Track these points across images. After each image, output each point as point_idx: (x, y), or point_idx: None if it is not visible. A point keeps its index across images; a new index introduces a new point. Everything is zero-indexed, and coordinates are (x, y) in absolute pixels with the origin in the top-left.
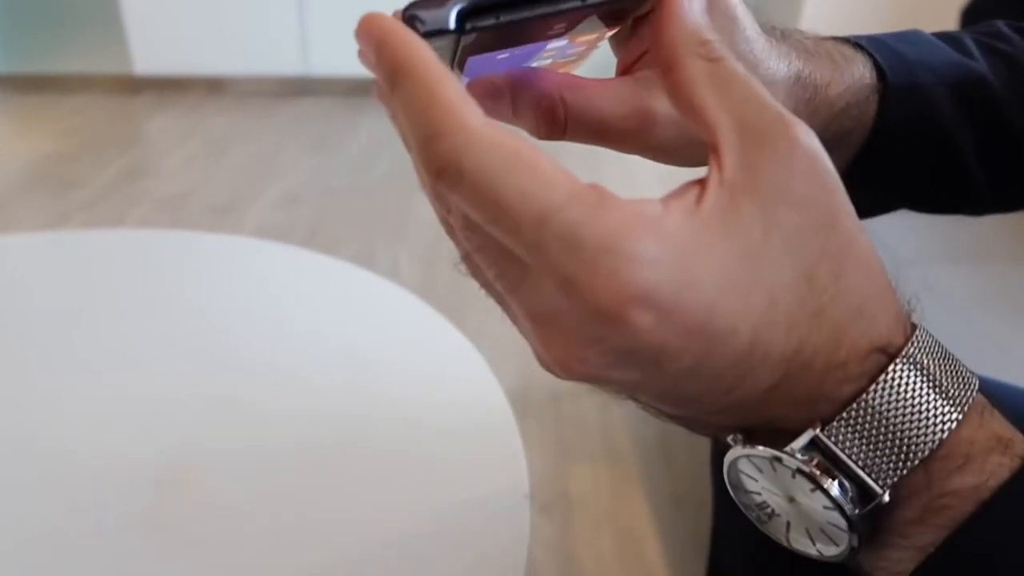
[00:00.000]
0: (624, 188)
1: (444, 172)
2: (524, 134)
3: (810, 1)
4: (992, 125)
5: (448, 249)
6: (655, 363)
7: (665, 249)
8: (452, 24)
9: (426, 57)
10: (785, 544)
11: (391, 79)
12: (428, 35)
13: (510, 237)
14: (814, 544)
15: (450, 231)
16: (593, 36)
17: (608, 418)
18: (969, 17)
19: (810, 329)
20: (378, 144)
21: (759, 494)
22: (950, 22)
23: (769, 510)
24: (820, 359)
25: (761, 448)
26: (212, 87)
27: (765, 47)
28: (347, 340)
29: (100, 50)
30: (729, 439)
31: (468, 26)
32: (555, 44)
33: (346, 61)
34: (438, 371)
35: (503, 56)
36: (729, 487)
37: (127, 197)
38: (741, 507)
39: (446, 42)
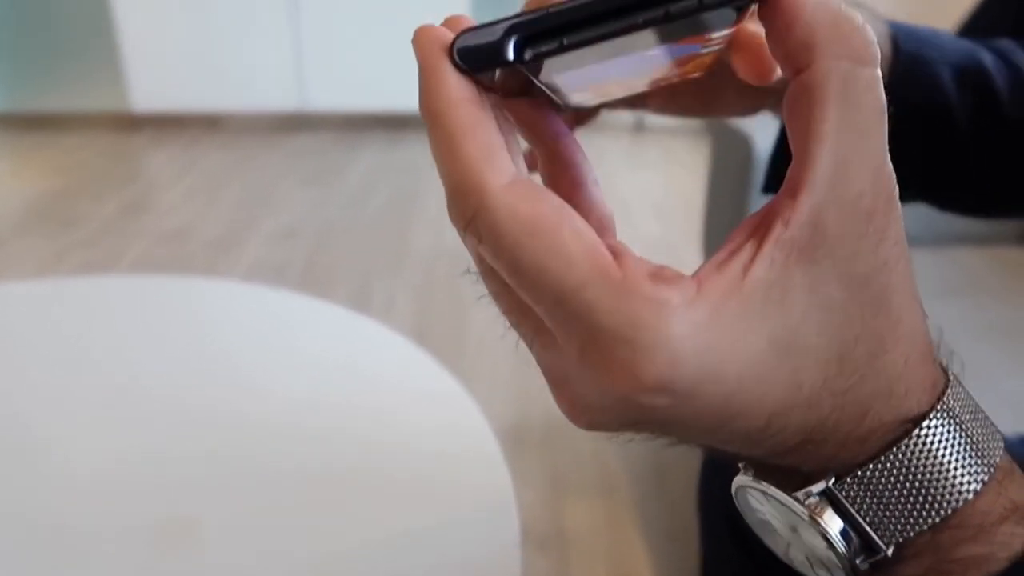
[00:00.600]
0: (616, 213)
1: (469, 227)
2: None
3: None
4: (990, 113)
5: (444, 283)
6: (665, 429)
7: (688, 344)
8: (509, 55)
9: (456, 101)
10: (783, 559)
11: (423, 116)
12: (477, 70)
13: (529, 302)
14: (812, 568)
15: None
16: (728, 30)
17: (603, 452)
18: (966, 32)
19: (832, 408)
20: (374, 178)
21: (763, 514)
22: (947, 12)
23: (771, 528)
24: (840, 432)
25: (770, 487)
26: (210, 123)
27: None
28: (340, 387)
29: (98, 88)
30: (740, 465)
31: (528, 55)
32: (681, 47)
33: (342, 96)
34: (430, 417)
35: (614, 68)
36: (735, 499)
37: (125, 234)
38: (741, 513)
39: (505, 71)
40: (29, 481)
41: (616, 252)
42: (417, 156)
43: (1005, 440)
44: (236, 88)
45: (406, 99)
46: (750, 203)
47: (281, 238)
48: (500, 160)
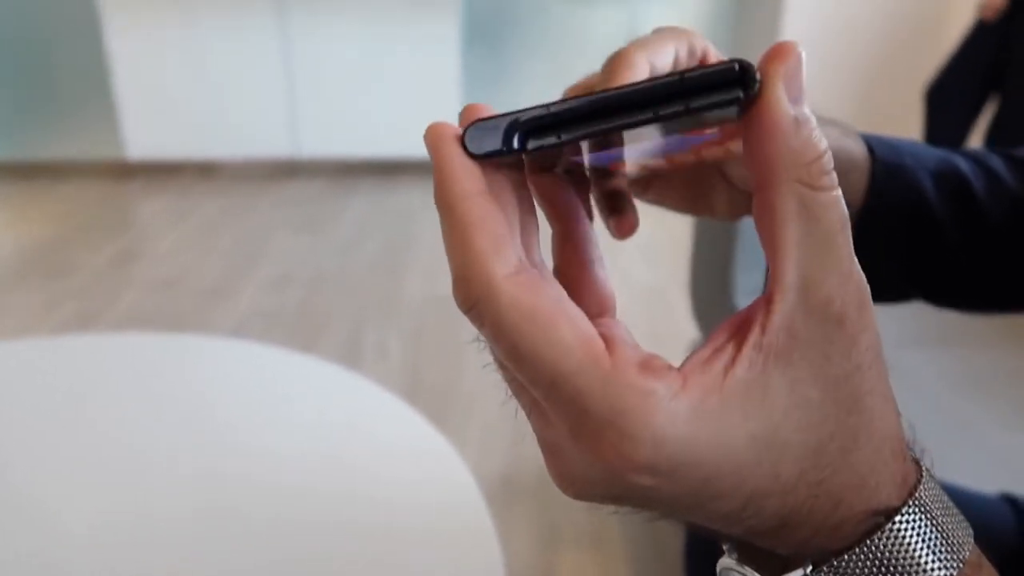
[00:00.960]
0: (604, 252)
1: (472, 311)
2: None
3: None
4: (971, 215)
5: (437, 330)
6: (649, 505)
7: (671, 432)
8: (514, 145)
9: (467, 194)
10: None
11: (437, 206)
12: (484, 156)
13: (525, 383)
14: None
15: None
16: (728, 120)
17: (596, 505)
18: (933, 96)
19: (807, 497)
20: (367, 224)
21: None
22: (927, 13)
23: None
24: (815, 519)
25: (752, 572)
26: (204, 170)
27: None
28: (329, 445)
29: (93, 136)
30: (724, 546)
31: (531, 145)
32: (672, 139)
33: (335, 142)
34: (418, 474)
35: (612, 153)
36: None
37: (117, 283)
38: None
39: (511, 158)
40: (20, 539)
41: (609, 340)
42: (409, 202)
43: (974, 527)
44: (230, 136)
45: (398, 145)
46: (735, 251)
47: (274, 286)
48: (506, 252)
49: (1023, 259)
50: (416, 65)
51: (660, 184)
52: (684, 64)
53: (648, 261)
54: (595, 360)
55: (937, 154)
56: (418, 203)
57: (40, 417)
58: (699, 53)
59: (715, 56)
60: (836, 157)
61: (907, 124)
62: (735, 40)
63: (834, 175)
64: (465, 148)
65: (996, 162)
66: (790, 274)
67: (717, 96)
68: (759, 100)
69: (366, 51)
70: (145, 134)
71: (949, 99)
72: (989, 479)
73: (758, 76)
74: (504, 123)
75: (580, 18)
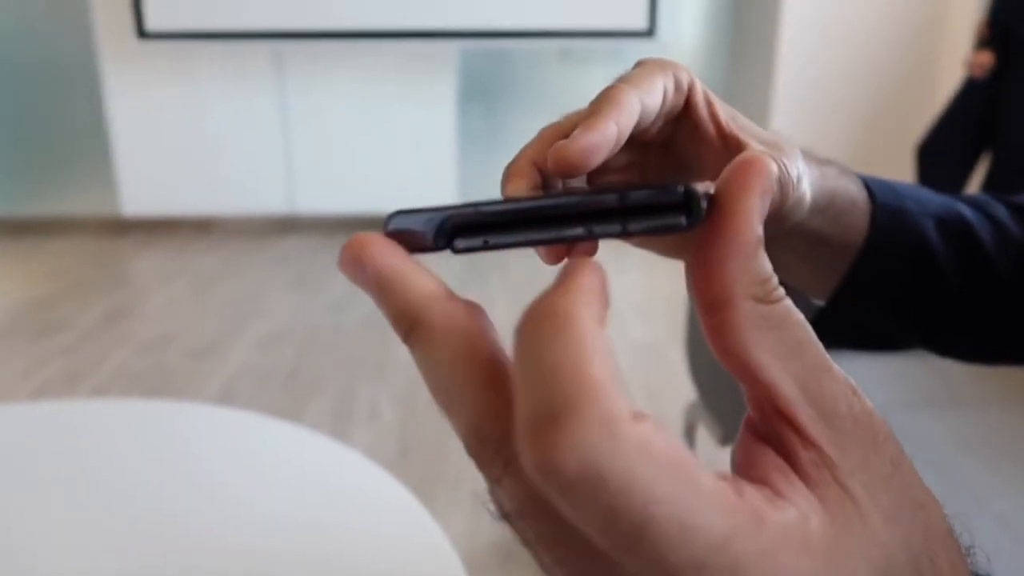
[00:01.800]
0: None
1: (579, 462)
2: None
3: (787, 16)
4: (976, 263)
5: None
6: None
7: (818, 564)
8: (440, 243)
9: (587, 312)
10: None
11: (537, 316)
12: (412, 251)
13: (635, 564)
14: None
15: (493, 486)
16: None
17: None
18: (924, 153)
19: None
20: None
21: None
22: (918, 72)
23: None
24: None
25: None
26: (199, 227)
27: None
28: (312, 520)
29: (89, 192)
30: None
31: (460, 245)
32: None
33: (331, 199)
34: (402, 552)
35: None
36: None
37: (108, 341)
38: None
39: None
40: None
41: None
42: None
43: None
44: (226, 192)
45: (395, 202)
46: None
47: (267, 343)
48: (621, 390)
49: None
50: (412, 123)
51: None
52: (670, 99)
53: (644, 318)
54: (751, 518)
55: (940, 200)
56: None
57: (16, 485)
58: (684, 88)
59: (699, 90)
60: (835, 195)
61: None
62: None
63: (781, 289)
64: (388, 235)
65: (1000, 210)
66: (788, 387)
67: (658, 220)
68: (726, 220)
69: (362, 108)
70: (142, 190)
71: (940, 155)
72: (1004, 547)
73: (703, 204)
74: (434, 220)
75: (574, 76)
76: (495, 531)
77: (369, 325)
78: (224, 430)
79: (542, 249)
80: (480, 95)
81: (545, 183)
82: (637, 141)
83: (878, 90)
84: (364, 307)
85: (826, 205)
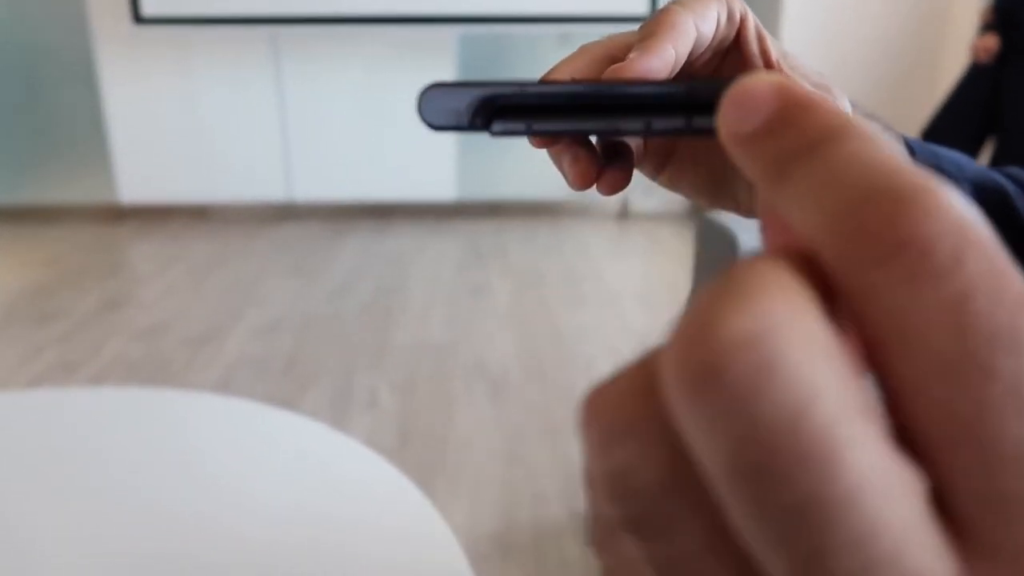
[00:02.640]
0: (602, 303)
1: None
2: None
3: (790, 2)
4: (1013, 230)
5: (428, 378)
6: None
7: None
8: (476, 123)
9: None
10: None
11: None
12: (439, 128)
13: (990, 440)
14: None
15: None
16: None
17: (592, 560)
18: (929, 139)
19: None
20: (359, 269)
21: None
22: (923, 58)
23: None
24: None
25: None
26: (197, 214)
27: None
28: (310, 509)
29: (86, 180)
30: None
31: (496, 128)
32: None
33: (329, 186)
34: (402, 540)
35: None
36: None
37: (104, 329)
38: None
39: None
40: None
41: None
42: (401, 247)
43: None
44: (224, 180)
45: (393, 189)
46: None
47: (264, 331)
48: None
49: None
50: (411, 109)
51: (676, 166)
52: (723, 29)
53: (646, 307)
54: None
55: (976, 167)
56: (410, 248)
57: (12, 474)
58: (737, 19)
59: (752, 23)
60: None
61: None
62: None
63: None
64: (420, 115)
65: None
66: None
67: None
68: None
69: (360, 95)
70: (138, 178)
71: (945, 141)
72: None
73: None
74: (469, 97)
75: None
76: (495, 523)
77: (368, 312)
78: (222, 418)
79: (571, 169)
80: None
81: None
82: (683, 72)
83: (882, 77)
84: (363, 294)
85: None
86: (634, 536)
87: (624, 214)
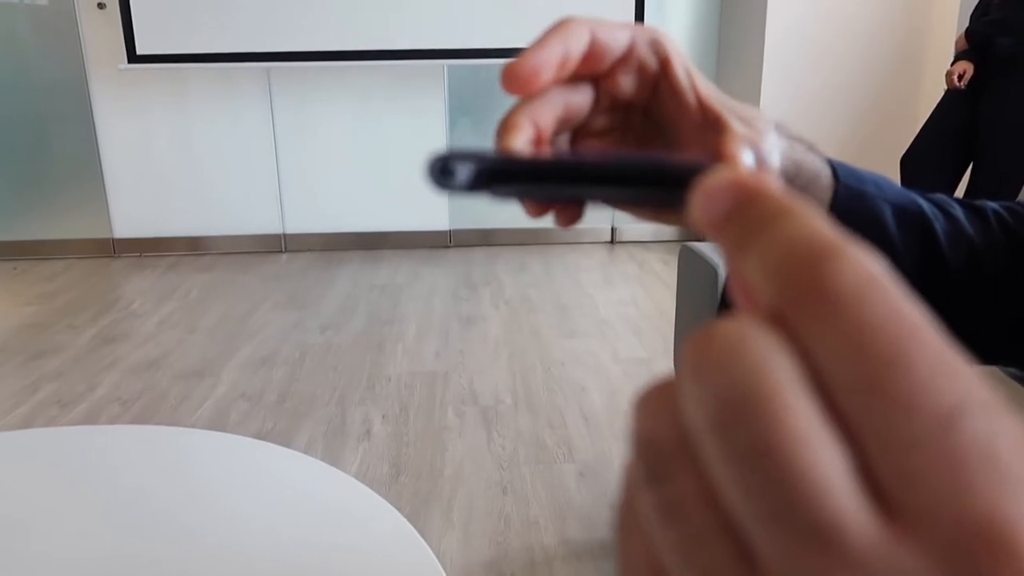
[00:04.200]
0: (593, 331)
1: (844, 290)
2: None
3: (771, 31)
4: (930, 254)
5: (421, 409)
6: None
7: None
8: (476, 188)
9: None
10: None
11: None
12: (444, 189)
13: (888, 417)
14: None
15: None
16: None
17: None
18: (908, 164)
19: None
20: (352, 300)
21: None
22: (904, 85)
23: None
24: None
25: None
26: (191, 246)
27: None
28: (303, 545)
29: (80, 215)
30: None
31: (495, 191)
32: None
33: (322, 217)
34: (389, 569)
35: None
36: None
37: (98, 365)
38: None
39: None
40: None
41: None
42: (394, 278)
43: None
44: (217, 213)
45: (386, 219)
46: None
47: (258, 364)
48: None
49: (976, 307)
50: (403, 141)
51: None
52: (642, 52)
53: (637, 335)
54: (986, 392)
55: (899, 189)
56: (402, 278)
57: (6, 513)
58: (663, 50)
59: (680, 58)
60: (801, 167)
61: None
62: None
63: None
64: (432, 177)
65: (957, 209)
66: None
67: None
68: None
69: (352, 128)
70: (132, 212)
71: (924, 166)
72: None
73: None
74: (474, 166)
75: None
76: (488, 552)
77: (361, 343)
78: (215, 455)
79: (529, 207)
80: (470, 110)
81: (539, 139)
82: (619, 105)
83: (863, 102)
84: (356, 325)
85: (793, 175)
86: (647, 483)
87: (614, 241)
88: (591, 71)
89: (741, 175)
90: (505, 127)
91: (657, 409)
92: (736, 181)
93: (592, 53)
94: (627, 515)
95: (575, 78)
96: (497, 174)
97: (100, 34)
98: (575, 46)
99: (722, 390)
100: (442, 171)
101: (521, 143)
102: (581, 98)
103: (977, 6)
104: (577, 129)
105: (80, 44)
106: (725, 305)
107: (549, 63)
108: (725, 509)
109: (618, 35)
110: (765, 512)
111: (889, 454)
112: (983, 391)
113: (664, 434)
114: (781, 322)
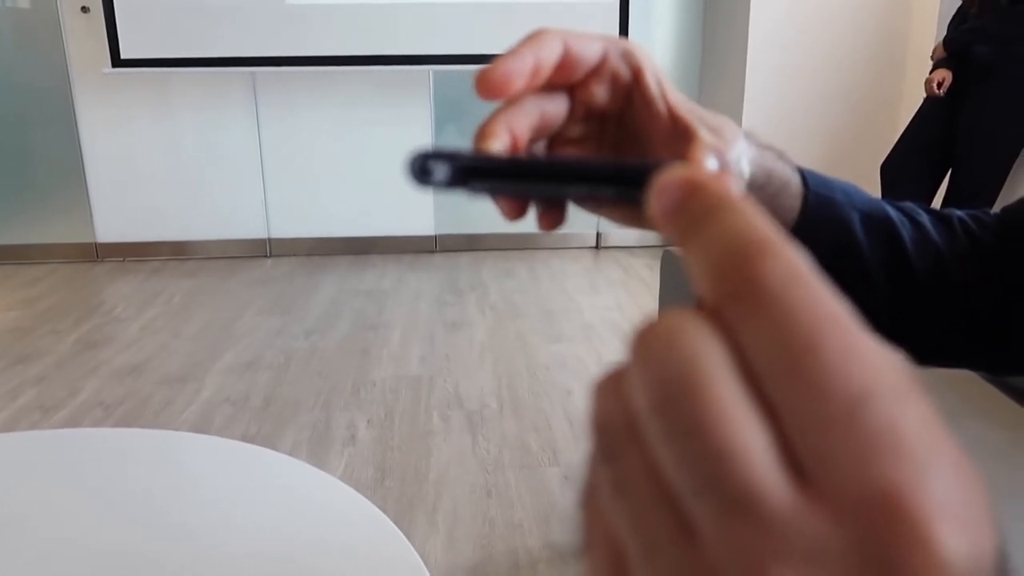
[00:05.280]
0: (578, 335)
1: (770, 289)
2: None
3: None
4: (897, 261)
5: (406, 414)
6: None
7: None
8: (452, 184)
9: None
10: None
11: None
12: (423, 184)
13: (804, 400)
14: None
15: (588, 500)
16: None
17: None
18: (888, 171)
19: None
20: (336, 305)
21: None
22: (884, 93)
23: None
24: None
25: None
26: (175, 250)
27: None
28: (288, 547)
29: (63, 219)
30: None
31: (471, 188)
32: None
33: (307, 222)
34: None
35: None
36: None
37: (81, 370)
38: None
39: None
40: None
41: None
42: (379, 283)
43: None
44: (202, 218)
45: (372, 224)
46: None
47: (243, 368)
48: None
49: (942, 312)
50: (389, 146)
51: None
52: (614, 63)
53: (622, 339)
54: (901, 379)
55: (867, 197)
56: (387, 283)
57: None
58: (635, 60)
59: (652, 68)
60: (771, 175)
61: None
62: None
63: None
64: (411, 174)
65: (923, 217)
66: None
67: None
68: None
69: (338, 133)
70: (116, 217)
71: (904, 174)
72: None
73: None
74: (451, 164)
75: None
76: (473, 555)
77: (346, 348)
78: (203, 457)
79: (505, 207)
80: (455, 115)
81: (515, 146)
82: (593, 114)
83: (844, 109)
84: (341, 330)
85: (763, 183)
86: (602, 462)
87: (599, 246)
88: (565, 80)
89: (689, 171)
90: (482, 133)
91: (609, 395)
92: (683, 175)
93: (565, 63)
94: (588, 492)
95: (550, 87)
96: (473, 171)
97: (84, 38)
98: (547, 55)
99: (659, 376)
100: (421, 169)
101: (498, 148)
102: (556, 107)
103: (955, 15)
104: (553, 137)
105: (64, 48)
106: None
107: (521, 71)
108: (666, 483)
109: (591, 46)
110: (697, 484)
111: (805, 433)
112: (893, 376)
113: (614, 417)
114: (715, 315)
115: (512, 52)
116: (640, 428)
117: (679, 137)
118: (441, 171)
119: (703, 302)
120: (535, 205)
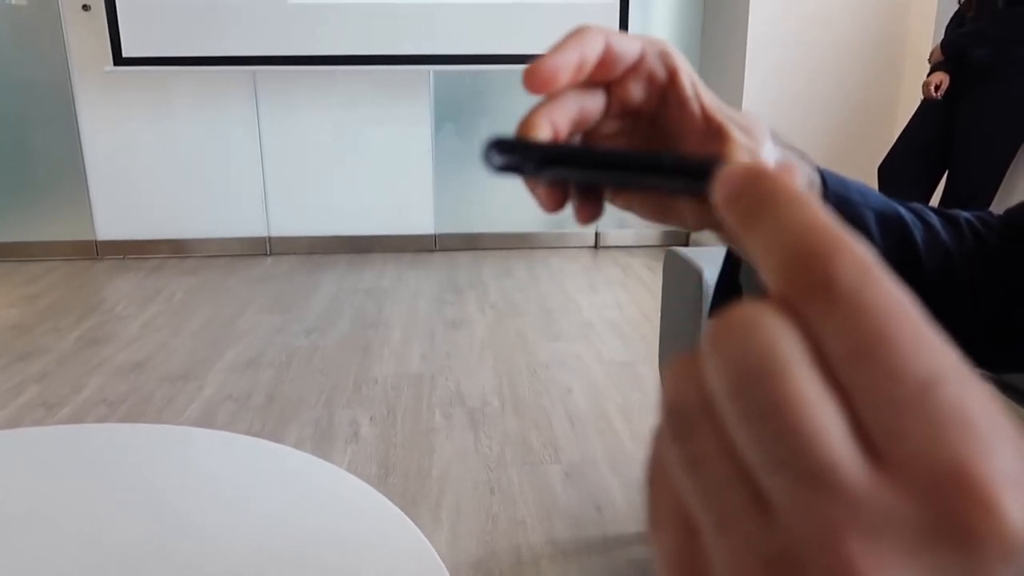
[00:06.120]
0: (577, 334)
1: (827, 287)
2: None
3: (752, 37)
4: (909, 261)
5: (408, 411)
6: None
7: None
8: (532, 172)
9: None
10: None
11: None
12: (498, 170)
13: (877, 384)
14: None
15: (658, 479)
16: None
17: None
18: (885, 173)
19: None
20: (337, 304)
21: None
22: (882, 95)
23: None
24: None
25: None
26: (175, 248)
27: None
28: (298, 538)
29: (64, 217)
30: None
31: (546, 175)
32: None
33: (307, 221)
34: (391, 567)
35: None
36: None
37: (83, 367)
38: None
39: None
40: None
41: None
42: (379, 281)
43: None
44: (202, 216)
45: (372, 223)
46: (702, 328)
47: (244, 366)
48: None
49: (950, 311)
50: (389, 145)
51: (630, 192)
52: (651, 62)
53: (621, 338)
54: (964, 367)
55: (880, 197)
56: (388, 281)
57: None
58: (672, 61)
59: (687, 69)
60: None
61: None
62: None
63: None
64: (489, 160)
65: (933, 217)
66: None
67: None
68: None
69: (338, 132)
70: (116, 215)
71: (901, 175)
72: None
73: None
74: (530, 151)
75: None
76: (476, 551)
77: (347, 346)
78: (209, 452)
79: (546, 199)
80: (455, 115)
81: (555, 138)
82: (628, 111)
83: (842, 108)
84: (342, 328)
85: None
86: (674, 441)
87: (598, 245)
88: (604, 77)
89: (756, 163)
90: (525, 125)
91: (684, 378)
92: (751, 166)
93: (606, 60)
94: (656, 470)
95: (589, 83)
96: (547, 159)
97: (85, 36)
98: (591, 51)
99: (739, 361)
100: (504, 151)
101: (542, 139)
102: (594, 102)
103: (953, 18)
104: (587, 132)
105: (64, 46)
106: (720, 299)
107: (567, 66)
108: (740, 461)
109: (630, 45)
110: (775, 461)
111: (879, 414)
112: (958, 363)
113: (689, 398)
114: (789, 306)
115: (558, 47)
116: (716, 409)
117: (712, 137)
118: (515, 158)
119: (772, 292)
120: (573, 198)
